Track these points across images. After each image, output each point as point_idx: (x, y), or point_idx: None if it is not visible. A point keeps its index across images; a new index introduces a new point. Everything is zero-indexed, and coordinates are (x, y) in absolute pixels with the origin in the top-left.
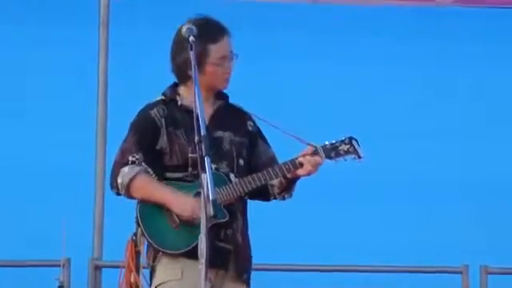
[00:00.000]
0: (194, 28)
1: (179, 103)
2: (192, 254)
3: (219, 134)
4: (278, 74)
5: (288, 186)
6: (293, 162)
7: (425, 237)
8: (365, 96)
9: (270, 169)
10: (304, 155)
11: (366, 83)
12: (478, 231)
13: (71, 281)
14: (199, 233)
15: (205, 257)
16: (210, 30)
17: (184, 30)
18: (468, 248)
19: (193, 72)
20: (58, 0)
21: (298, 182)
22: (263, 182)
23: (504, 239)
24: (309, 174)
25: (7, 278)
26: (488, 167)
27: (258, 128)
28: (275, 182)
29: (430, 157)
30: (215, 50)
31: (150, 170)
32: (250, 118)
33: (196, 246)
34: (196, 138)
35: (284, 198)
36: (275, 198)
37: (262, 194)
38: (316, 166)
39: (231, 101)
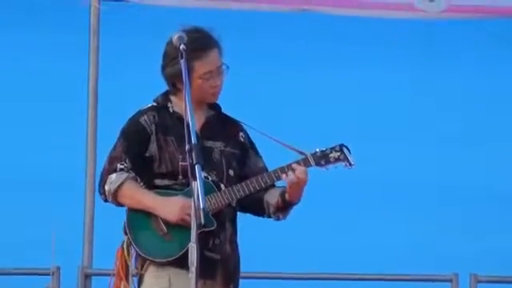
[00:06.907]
0: (184, 36)
1: (171, 110)
2: (180, 263)
3: (209, 143)
4: (268, 81)
5: (284, 207)
6: (282, 169)
7: (414, 245)
8: (355, 103)
9: (258, 176)
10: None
11: (355, 90)
12: (468, 239)
13: None
14: (187, 241)
15: (195, 265)
16: (194, 46)
17: (175, 38)
18: (458, 256)
19: (184, 80)
20: (48, 7)
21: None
22: (252, 189)
23: (493, 247)
24: (299, 182)
25: None
26: (479, 175)
27: (250, 139)
28: (273, 202)
29: (420, 164)
30: (199, 66)
31: (137, 178)
32: (242, 129)
33: (183, 255)
34: (187, 147)
35: (278, 219)
36: (269, 217)
37: (257, 209)
38: (303, 173)
39: (223, 109)
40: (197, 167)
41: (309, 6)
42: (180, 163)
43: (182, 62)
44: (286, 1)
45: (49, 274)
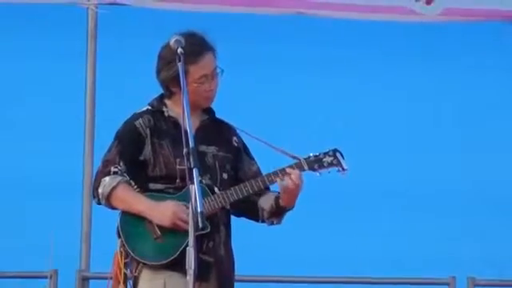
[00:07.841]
0: (182, 40)
1: (166, 114)
2: (174, 266)
3: (203, 148)
4: (265, 85)
5: (278, 212)
6: (275, 173)
7: (412, 248)
8: (351, 107)
9: (252, 180)
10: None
11: (352, 94)
12: (466, 242)
13: None
14: (180, 244)
15: (193, 268)
16: (189, 50)
17: (172, 41)
18: (455, 259)
19: (182, 83)
20: (45, 11)
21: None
22: (245, 193)
23: (491, 250)
24: (294, 187)
25: None
26: (477, 179)
27: (243, 143)
28: (266, 207)
29: (418, 168)
30: (194, 71)
31: (131, 181)
32: (235, 134)
33: (177, 258)
34: (184, 150)
35: (272, 223)
36: (263, 222)
37: (251, 214)
38: (299, 177)
39: (218, 112)
40: (194, 171)
41: (306, 9)
42: (177, 167)
43: (180, 64)
44: (283, 4)
45: (46, 277)
